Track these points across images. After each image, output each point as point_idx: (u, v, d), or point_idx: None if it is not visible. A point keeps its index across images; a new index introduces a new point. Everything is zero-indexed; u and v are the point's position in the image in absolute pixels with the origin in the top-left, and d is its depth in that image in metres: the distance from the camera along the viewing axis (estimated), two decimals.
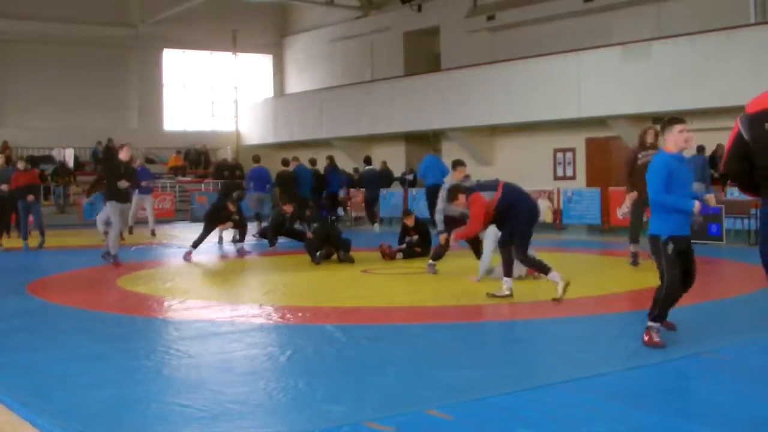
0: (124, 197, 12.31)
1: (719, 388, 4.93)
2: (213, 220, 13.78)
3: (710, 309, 8.11)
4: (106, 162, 19.83)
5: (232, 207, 13.79)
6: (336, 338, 6.60)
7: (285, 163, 21.33)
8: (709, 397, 4.70)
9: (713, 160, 16.59)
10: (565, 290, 8.15)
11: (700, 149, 15.36)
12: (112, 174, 12.32)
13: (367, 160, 22.58)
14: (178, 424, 4.45)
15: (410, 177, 23.01)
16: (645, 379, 5.15)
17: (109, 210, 12.58)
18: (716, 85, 16.68)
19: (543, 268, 8.34)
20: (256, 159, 19.92)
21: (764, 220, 4.08)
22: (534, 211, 8.57)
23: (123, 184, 12.08)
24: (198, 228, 14.38)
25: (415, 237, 12.90)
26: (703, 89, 16.91)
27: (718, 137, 16.73)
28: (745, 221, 14.63)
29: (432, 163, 16.17)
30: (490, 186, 8.57)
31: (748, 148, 4.14)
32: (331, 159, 21.76)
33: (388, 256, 12.59)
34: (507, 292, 8.40)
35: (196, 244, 13.29)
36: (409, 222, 13.03)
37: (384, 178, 23.22)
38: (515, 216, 8.28)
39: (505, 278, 8.48)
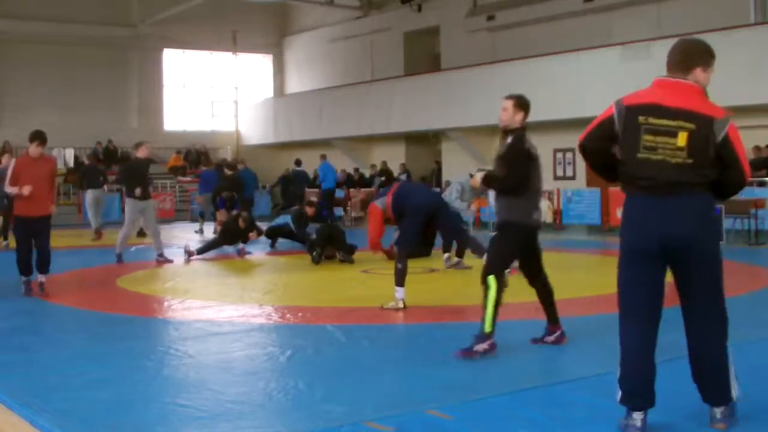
0: (143, 195, 12.31)
1: None
2: (226, 237, 13.71)
3: None
4: (125, 162, 19.96)
5: (242, 223, 13.68)
6: (336, 338, 6.61)
7: (298, 163, 21.62)
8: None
9: None
10: (395, 309, 7.75)
11: None
12: (135, 173, 12.38)
13: (298, 162, 22.99)
14: (178, 424, 4.45)
15: (402, 176, 23.27)
16: None
17: (127, 208, 12.64)
18: (716, 85, 16.38)
19: (399, 279, 7.78)
20: (221, 162, 20.50)
21: (625, 212, 4.11)
22: (423, 207, 8.02)
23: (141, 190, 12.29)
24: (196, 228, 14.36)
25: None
26: None
27: None
28: (745, 221, 14.63)
29: (328, 169, 19.67)
30: (384, 192, 8.69)
31: (614, 135, 4.12)
32: (242, 162, 21.09)
33: (390, 255, 12.59)
34: (400, 304, 7.83)
35: (200, 252, 13.30)
36: None
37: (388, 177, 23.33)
38: (405, 216, 7.95)
39: (397, 288, 7.82)
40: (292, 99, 30.35)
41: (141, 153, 12.59)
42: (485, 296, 5.83)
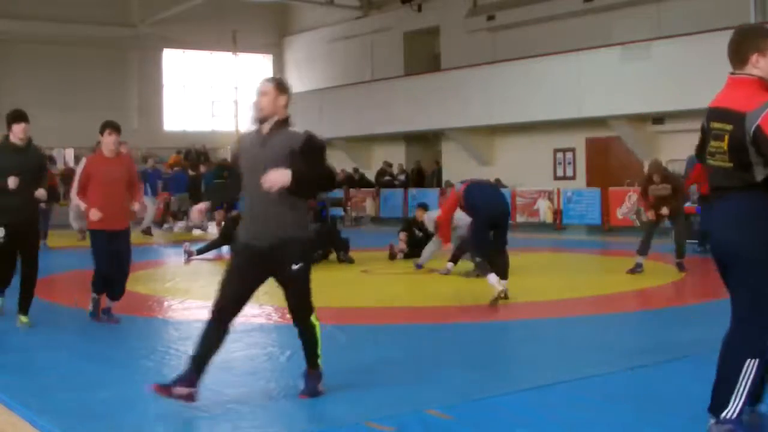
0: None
1: None
2: (226, 237, 13.63)
3: (710, 309, 8.11)
4: None
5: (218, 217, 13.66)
6: (336, 338, 6.60)
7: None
8: (709, 397, 4.69)
9: None
10: (497, 297, 8.08)
11: None
12: None
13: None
14: (178, 424, 4.45)
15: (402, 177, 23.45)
16: (645, 379, 5.15)
17: None
18: (716, 85, 16.45)
19: (484, 270, 8.32)
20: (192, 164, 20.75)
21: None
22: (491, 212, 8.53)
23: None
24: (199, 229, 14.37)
25: (420, 234, 12.79)
26: (703, 89, 16.78)
27: None
28: None
29: None
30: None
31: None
32: (211, 163, 21.49)
33: (392, 255, 12.60)
34: (498, 287, 8.22)
35: (200, 252, 13.29)
36: (420, 216, 12.76)
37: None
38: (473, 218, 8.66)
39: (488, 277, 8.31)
40: (292, 99, 30.33)
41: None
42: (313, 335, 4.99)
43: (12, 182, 7.02)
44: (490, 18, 23.87)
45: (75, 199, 7.49)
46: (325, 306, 8.39)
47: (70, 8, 27.19)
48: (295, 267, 4.62)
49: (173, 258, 13.62)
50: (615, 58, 18.85)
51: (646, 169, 12.27)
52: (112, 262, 7.35)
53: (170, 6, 27.01)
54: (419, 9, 26.17)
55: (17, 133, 7.14)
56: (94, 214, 7.16)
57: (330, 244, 12.57)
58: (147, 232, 18.20)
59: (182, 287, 10.02)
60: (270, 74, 32.74)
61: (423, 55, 27.02)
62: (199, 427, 4.40)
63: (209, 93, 31.70)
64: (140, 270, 11.84)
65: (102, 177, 7.24)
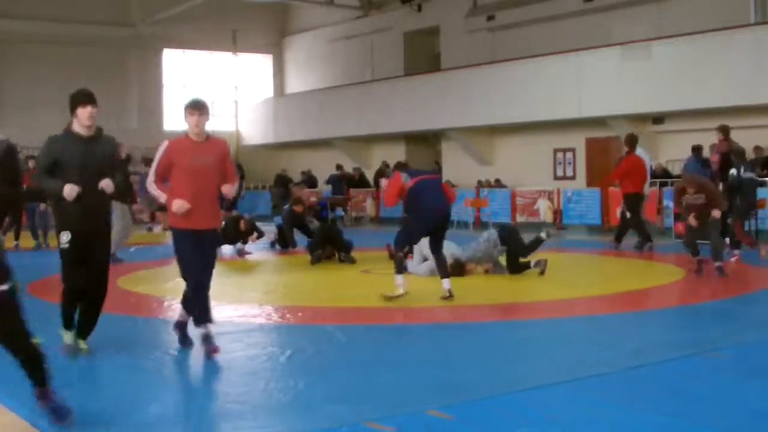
0: (122, 197, 12.23)
1: (719, 388, 4.93)
2: (226, 237, 13.62)
3: (711, 309, 8.11)
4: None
5: (243, 226, 13.60)
6: (336, 338, 6.60)
7: (338, 167, 21.83)
8: (709, 397, 4.70)
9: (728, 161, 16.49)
10: (395, 296, 8.19)
11: (697, 149, 15.24)
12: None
13: (338, 167, 23.25)
14: (179, 424, 4.45)
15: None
16: (645, 379, 5.15)
17: (114, 210, 12.55)
18: (716, 85, 16.68)
19: (398, 266, 8.38)
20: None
21: None
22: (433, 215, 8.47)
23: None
24: None
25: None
26: (703, 89, 16.92)
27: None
28: (745, 221, 14.61)
29: None
30: (413, 174, 8.77)
31: None
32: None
33: (392, 254, 12.58)
34: (399, 290, 8.30)
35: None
36: None
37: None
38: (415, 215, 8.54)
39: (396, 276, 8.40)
40: (292, 99, 30.35)
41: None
42: None
43: (68, 193, 5.70)
44: (490, 18, 23.88)
45: (152, 189, 6.08)
46: (325, 306, 8.42)
47: (70, 8, 27.19)
48: None
49: (173, 258, 13.63)
50: (615, 58, 18.85)
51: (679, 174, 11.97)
52: (200, 263, 6.02)
53: (170, 6, 27.01)
54: (419, 9, 26.18)
55: (83, 119, 5.83)
56: (180, 206, 5.82)
57: (332, 244, 12.55)
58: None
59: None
60: (270, 74, 32.83)
61: (423, 55, 27.02)
62: (200, 427, 4.39)
63: (209, 93, 31.70)
64: (140, 270, 11.84)
65: (188, 164, 5.92)
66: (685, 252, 10.55)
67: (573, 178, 21.14)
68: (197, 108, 6.05)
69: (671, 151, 18.42)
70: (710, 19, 17.89)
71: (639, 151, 14.63)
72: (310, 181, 24.97)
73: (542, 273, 10.14)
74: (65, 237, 5.89)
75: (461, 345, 6.44)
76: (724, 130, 13.01)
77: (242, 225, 13.56)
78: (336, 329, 6.91)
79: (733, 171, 11.82)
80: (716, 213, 9.91)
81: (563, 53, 19.96)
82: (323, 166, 25.84)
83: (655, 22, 20.00)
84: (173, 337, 6.93)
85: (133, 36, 28.97)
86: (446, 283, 8.31)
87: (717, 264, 9.89)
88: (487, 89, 21.33)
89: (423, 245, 9.99)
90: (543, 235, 10.54)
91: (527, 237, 10.81)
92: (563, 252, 13.77)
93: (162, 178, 6.04)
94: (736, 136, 13.45)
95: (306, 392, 4.95)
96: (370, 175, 25.07)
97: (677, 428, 4.17)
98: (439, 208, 8.41)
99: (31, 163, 15.11)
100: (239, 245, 13.81)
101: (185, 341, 6.27)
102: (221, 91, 31.81)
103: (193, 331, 6.19)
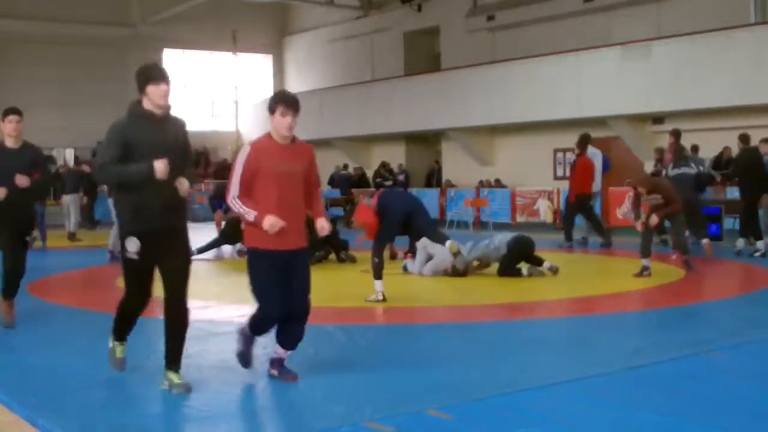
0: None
1: (719, 388, 4.93)
2: (226, 237, 13.58)
3: (710, 309, 8.11)
4: None
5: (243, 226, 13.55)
6: (336, 338, 6.61)
7: (345, 167, 21.71)
8: (709, 397, 4.70)
9: (719, 161, 16.52)
10: (375, 300, 8.29)
11: (695, 149, 15.24)
12: None
13: (344, 166, 23.16)
14: (178, 424, 4.45)
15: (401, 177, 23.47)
16: (645, 379, 5.15)
17: (113, 207, 12.58)
18: (716, 85, 16.68)
19: (377, 272, 8.40)
20: None
21: None
22: (400, 209, 8.71)
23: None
24: (199, 229, 14.34)
25: None
26: (703, 89, 16.91)
27: (719, 137, 16.74)
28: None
29: None
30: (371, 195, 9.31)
31: None
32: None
33: (393, 255, 12.57)
34: (380, 296, 8.36)
35: (200, 251, 13.27)
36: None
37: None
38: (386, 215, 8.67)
39: (376, 281, 8.44)
40: None
41: None
42: None
43: (161, 169, 4.74)
44: (490, 18, 23.88)
45: (237, 206, 5.00)
46: (325, 306, 8.42)
47: (70, 8, 27.20)
48: None
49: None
50: (615, 58, 18.85)
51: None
52: (288, 298, 5.09)
53: (170, 6, 27.03)
54: (419, 9, 26.18)
55: (155, 96, 5.00)
56: (273, 224, 4.85)
57: (331, 245, 12.55)
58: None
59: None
60: (270, 74, 32.84)
61: (423, 55, 27.02)
62: (199, 427, 4.39)
63: (209, 93, 31.70)
64: None
65: (275, 170, 4.96)
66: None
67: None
68: (292, 106, 4.96)
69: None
70: (710, 19, 17.89)
71: (592, 151, 14.95)
72: None
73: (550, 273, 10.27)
74: (133, 245, 4.87)
75: (461, 345, 6.45)
76: (676, 134, 13.64)
77: (243, 225, 13.49)
78: (336, 329, 6.91)
79: (663, 170, 12.72)
80: (652, 220, 9.99)
81: (563, 53, 19.96)
82: (323, 166, 25.79)
83: (655, 22, 20.00)
84: None
85: (133, 36, 28.97)
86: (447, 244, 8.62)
87: (683, 258, 10.02)
88: (487, 89, 21.32)
89: (427, 244, 10.06)
90: (525, 271, 10.38)
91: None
92: (563, 252, 13.77)
93: (247, 190, 4.95)
94: (736, 136, 13.45)
95: (306, 392, 4.95)
96: (370, 175, 25.09)
97: (677, 428, 4.17)
98: (403, 201, 8.97)
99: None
100: (239, 245, 13.81)
101: (250, 360, 5.42)
102: (221, 91, 31.82)
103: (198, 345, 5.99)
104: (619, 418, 4.30)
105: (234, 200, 4.98)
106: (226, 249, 14.21)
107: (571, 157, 21.70)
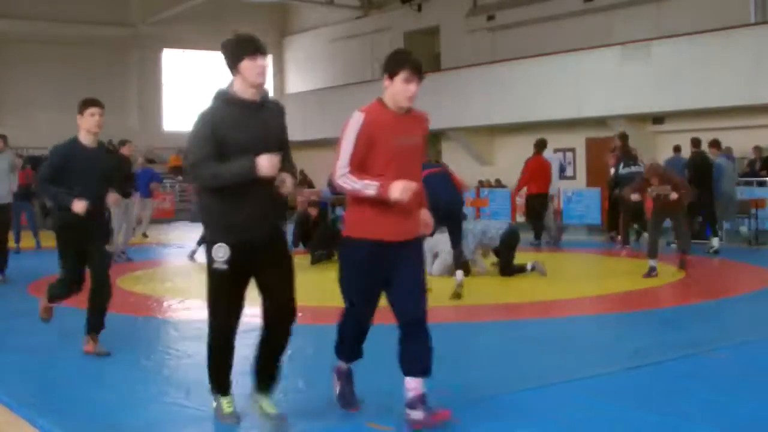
0: (124, 193, 12.26)
1: (719, 388, 4.93)
2: None
3: (710, 309, 8.11)
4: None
5: None
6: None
7: None
8: (709, 397, 4.70)
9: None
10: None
11: (677, 149, 15.23)
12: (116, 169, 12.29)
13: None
14: (178, 424, 4.45)
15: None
16: (645, 379, 5.16)
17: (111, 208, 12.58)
18: (716, 85, 16.68)
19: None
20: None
21: None
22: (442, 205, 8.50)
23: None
24: (198, 228, 14.30)
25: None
26: (703, 89, 16.91)
27: (719, 137, 16.73)
28: (745, 221, 14.64)
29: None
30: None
31: None
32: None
33: None
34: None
35: (200, 243, 13.27)
36: None
37: None
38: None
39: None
40: (292, 99, 30.33)
41: (124, 151, 12.48)
42: None
43: (265, 165, 3.95)
44: (490, 18, 23.88)
45: (348, 182, 4.09)
46: (325, 306, 8.42)
47: (70, 8, 27.20)
48: None
49: (172, 258, 13.63)
50: (615, 58, 18.85)
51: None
52: (397, 301, 4.31)
53: (170, 6, 27.03)
54: (419, 9, 26.17)
55: (252, 74, 4.08)
56: (404, 189, 4.02)
57: (332, 245, 12.54)
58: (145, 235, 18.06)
59: (182, 287, 10.01)
60: (270, 74, 32.85)
61: (423, 55, 26.79)
62: (199, 427, 4.39)
63: (209, 93, 31.66)
64: (140, 270, 11.84)
65: (392, 144, 4.16)
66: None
67: (573, 178, 21.13)
68: (419, 72, 4.36)
69: (671, 151, 18.43)
70: (710, 19, 17.89)
71: (550, 156, 15.26)
72: (306, 182, 24.98)
73: (544, 274, 10.13)
74: (221, 252, 4.10)
75: (462, 345, 6.44)
76: (623, 138, 14.10)
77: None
78: (336, 329, 6.90)
79: (612, 169, 13.27)
80: (673, 196, 9.89)
81: (563, 53, 19.95)
82: (323, 166, 25.82)
83: (655, 22, 20.00)
84: (172, 337, 6.91)
85: (133, 36, 28.97)
86: (459, 275, 8.55)
87: (682, 258, 9.99)
88: (486, 89, 21.31)
89: (432, 243, 10.04)
90: (528, 266, 10.36)
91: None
92: (563, 252, 13.77)
93: (359, 166, 4.08)
94: (736, 135, 13.48)
95: (306, 392, 4.95)
96: None
97: (677, 428, 4.17)
98: (444, 201, 8.31)
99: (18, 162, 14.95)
100: None
101: (352, 400, 4.51)
102: None
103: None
104: (619, 418, 4.30)
105: (344, 177, 4.07)
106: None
107: (570, 157, 21.83)
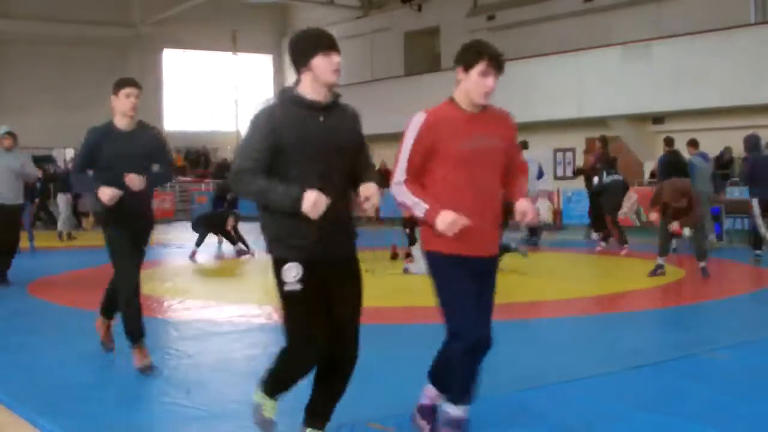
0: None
1: (719, 388, 4.93)
2: (207, 227, 13.61)
3: (710, 309, 8.11)
4: None
5: (231, 222, 13.57)
6: None
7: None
8: (709, 397, 4.70)
9: (719, 161, 16.54)
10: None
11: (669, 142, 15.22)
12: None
13: None
14: (178, 424, 4.45)
15: None
16: (645, 379, 5.15)
17: None
18: (716, 85, 16.69)
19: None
20: None
21: None
22: None
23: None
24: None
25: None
26: (703, 89, 16.92)
27: (719, 137, 16.75)
28: (745, 221, 14.61)
29: None
30: None
31: None
32: None
33: (394, 256, 12.57)
34: None
35: (198, 244, 13.31)
36: None
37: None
38: None
39: None
40: None
41: None
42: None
43: (311, 205, 3.38)
44: (490, 18, 23.89)
45: (404, 195, 3.67)
46: None
47: (70, 8, 27.23)
48: None
49: (172, 258, 13.63)
50: (615, 58, 18.85)
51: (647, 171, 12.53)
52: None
53: (170, 6, 27.05)
54: (419, 9, 26.20)
55: (326, 72, 3.56)
56: (452, 223, 3.52)
57: None
58: None
59: (182, 287, 10.01)
60: (270, 74, 32.87)
61: (423, 55, 27.02)
62: (199, 427, 4.39)
63: (209, 93, 31.71)
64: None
65: (462, 149, 3.65)
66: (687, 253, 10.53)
67: (573, 178, 21.13)
68: (497, 62, 3.65)
69: None
70: (710, 19, 17.90)
71: (529, 157, 15.24)
72: None
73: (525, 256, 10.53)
74: (293, 272, 3.55)
75: None
76: (603, 141, 14.48)
77: (231, 221, 13.50)
78: None
79: (596, 179, 13.67)
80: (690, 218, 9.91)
81: (563, 53, 19.96)
82: None
83: (655, 22, 20.01)
84: (172, 337, 6.91)
85: (133, 36, 29.00)
86: None
87: (701, 264, 9.90)
88: None
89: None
90: (513, 245, 10.51)
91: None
92: (563, 252, 13.77)
93: (419, 174, 3.66)
94: (736, 136, 13.48)
95: (306, 392, 4.94)
96: None
97: (677, 428, 4.17)
98: None
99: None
100: (239, 245, 13.81)
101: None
102: (221, 91, 31.83)
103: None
104: (619, 418, 4.30)
105: (398, 187, 3.65)
106: (227, 249, 14.20)
107: (570, 157, 21.83)
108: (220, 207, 15.39)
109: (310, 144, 3.49)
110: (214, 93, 31.82)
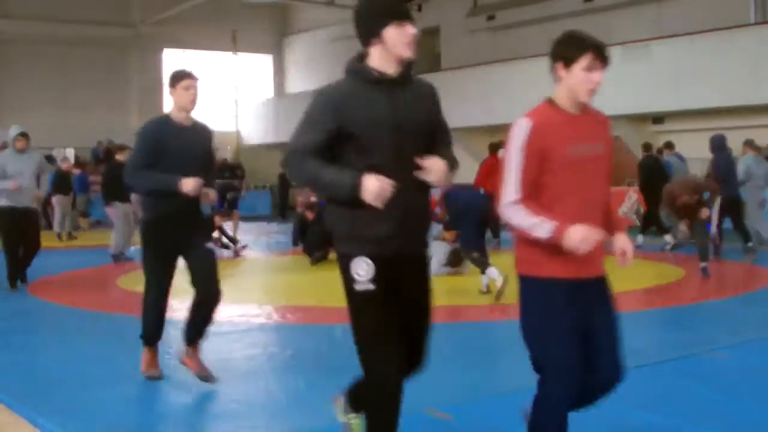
0: (124, 198, 12.27)
1: (719, 388, 4.93)
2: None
3: (710, 309, 8.11)
4: (107, 164, 19.59)
5: (218, 220, 13.56)
6: (336, 338, 6.60)
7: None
8: (709, 397, 4.70)
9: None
10: (502, 286, 8.31)
11: (668, 146, 15.21)
12: (111, 175, 12.27)
13: None
14: (179, 424, 4.45)
15: None
16: (645, 379, 5.15)
17: (113, 212, 12.59)
18: (716, 85, 16.68)
19: (483, 265, 8.67)
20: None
21: None
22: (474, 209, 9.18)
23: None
24: None
25: None
26: (703, 89, 16.92)
27: None
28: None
29: None
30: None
31: None
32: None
33: None
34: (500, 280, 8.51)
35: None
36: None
37: None
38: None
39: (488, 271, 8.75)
40: (292, 99, 30.35)
41: (120, 156, 12.39)
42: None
43: (372, 192, 2.96)
44: (490, 18, 23.88)
45: (520, 215, 3.09)
46: (325, 306, 8.42)
47: (70, 8, 27.21)
48: None
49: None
50: (615, 58, 18.71)
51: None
52: (590, 359, 3.32)
53: (170, 6, 27.04)
54: (419, 9, 26.18)
55: (399, 45, 3.33)
56: (585, 239, 3.00)
57: (329, 244, 12.53)
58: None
59: (182, 287, 9.99)
60: (270, 74, 32.85)
61: (423, 55, 27.01)
62: (200, 426, 4.39)
63: (209, 93, 31.70)
64: (140, 270, 11.83)
65: (569, 155, 3.15)
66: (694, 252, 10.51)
67: None
68: (602, 54, 3.36)
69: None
70: (710, 19, 17.90)
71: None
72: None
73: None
74: (363, 269, 3.11)
75: (461, 345, 6.44)
76: None
77: (218, 220, 13.46)
78: (336, 329, 6.91)
79: None
80: (704, 213, 9.87)
81: None
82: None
83: (655, 22, 20.01)
84: (172, 337, 6.91)
85: (133, 36, 28.99)
86: (494, 272, 8.53)
87: (702, 265, 9.88)
88: (486, 89, 21.32)
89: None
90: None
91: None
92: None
93: (533, 189, 3.11)
94: (735, 136, 13.49)
95: (306, 392, 4.95)
96: None
97: (677, 428, 4.17)
98: (464, 200, 9.37)
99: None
100: (239, 245, 13.82)
101: None
102: (221, 91, 31.83)
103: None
104: (619, 418, 4.30)
105: (512, 208, 3.09)
106: (227, 249, 14.18)
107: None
108: (220, 207, 15.37)
109: (379, 125, 3.06)
110: (214, 93, 31.82)
